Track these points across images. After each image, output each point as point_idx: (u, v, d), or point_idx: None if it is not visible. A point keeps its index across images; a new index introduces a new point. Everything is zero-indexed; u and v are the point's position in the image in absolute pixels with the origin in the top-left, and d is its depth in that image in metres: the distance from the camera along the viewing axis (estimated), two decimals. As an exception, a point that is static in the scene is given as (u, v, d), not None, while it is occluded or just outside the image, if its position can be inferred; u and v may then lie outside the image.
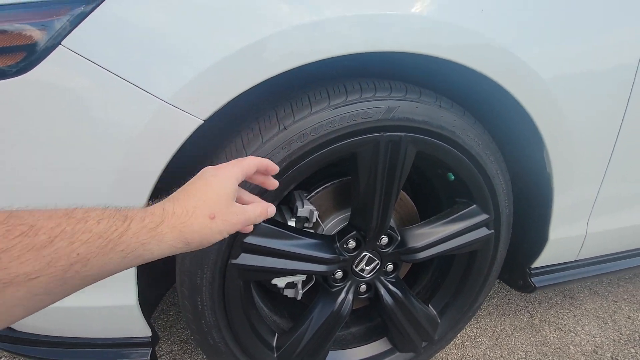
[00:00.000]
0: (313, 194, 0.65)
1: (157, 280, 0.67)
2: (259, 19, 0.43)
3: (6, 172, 0.45)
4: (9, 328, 0.60)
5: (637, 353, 0.88)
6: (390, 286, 0.69)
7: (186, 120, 0.44)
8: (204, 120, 0.45)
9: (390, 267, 0.69)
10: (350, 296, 0.67)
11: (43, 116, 0.43)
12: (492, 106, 0.64)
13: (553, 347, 0.89)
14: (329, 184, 0.66)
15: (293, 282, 0.66)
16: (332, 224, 0.67)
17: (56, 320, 0.56)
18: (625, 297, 1.10)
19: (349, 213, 0.64)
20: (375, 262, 0.66)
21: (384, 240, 0.65)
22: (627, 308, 1.05)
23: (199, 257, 0.52)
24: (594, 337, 0.93)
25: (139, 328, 0.57)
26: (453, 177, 0.64)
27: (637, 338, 0.93)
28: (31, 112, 0.43)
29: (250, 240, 0.53)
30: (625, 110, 0.63)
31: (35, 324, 0.58)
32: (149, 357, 0.59)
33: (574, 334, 0.94)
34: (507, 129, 0.67)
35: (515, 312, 1.01)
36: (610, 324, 0.97)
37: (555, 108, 0.59)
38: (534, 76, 0.55)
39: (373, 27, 0.46)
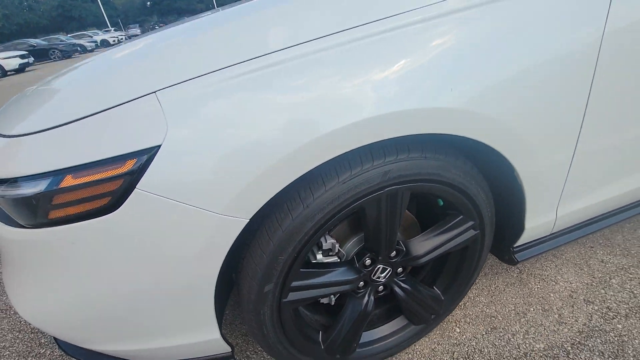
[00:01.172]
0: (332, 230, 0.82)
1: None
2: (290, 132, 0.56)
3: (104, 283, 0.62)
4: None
5: (606, 294, 1.09)
6: (401, 283, 0.89)
7: (237, 224, 0.60)
8: (249, 219, 0.60)
9: (399, 270, 0.87)
10: (371, 297, 0.86)
11: (128, 244, 0.59)
12: (470, 147, 0.76)
13: (537, 296, 1.11)
14: (341, 220, 0.82)
15: (327, 295, 0.85)
16: (349, 247, 0.84)
17: (163, 354, 0.78)
18: (601, 241, 1.29)
19: (361, 236, 0.81)
20: (388, 270, 0.85)
21: (393, 253, 0.83)
22: (601, 252, 1.25)
23: (259, 301, 0.71)
24: (570, 283, 1.14)
25: (223, 348, 0.78)
26: (442, 203, 0.79)
27: (608, 280, 1.14)
28: (119, 242, 0.59)
29: (295, 283, 0.72)
30: (580, 129, 0.76)
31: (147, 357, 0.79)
32: (232, 363, 0.81)
33: (554, 283, 1.15)
34: (485, 159, 0.80)
35: (507, 270, 1.22)
36: (585, 269, 1.18)
37: (517, 140, 0.71)
38: (496, 123, 0.67)
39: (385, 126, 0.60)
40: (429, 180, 0.71)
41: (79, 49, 20.36)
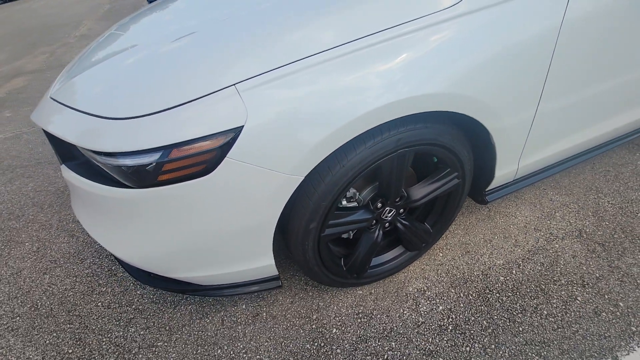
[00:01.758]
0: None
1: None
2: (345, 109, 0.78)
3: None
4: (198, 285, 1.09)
5: (550, 223, 1.44)
6: (402, 220, 1.17)
7: (296, 181, 0.83)
8: (304, 177, 0.84)
9: (401, 210, 1.15)
10: (380, 231, 1.15)
11: (219, 197, 0.81)
12: (457, 117, 1.00)
13: (500, 228, 1.44)
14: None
15: (348, 231, 1.13)
16: (364, 194, 1.10)
17: (227, 278, 1.04)
18: (552, 184, 1.63)
19: (374, 186, 1.07)
20: (393, 211, 1.12)
21: (397, 198, 1.10)
22: (551, 192, 1.58)
23: (305, 235, 0.97)
24: (525, 217, 1.48)
25: (273, 272, 1.06)
26: (436, 160, 1.05)
27: (553, 213, 1.48)
28: (212, 196, 0.81)
29: (330, 222, 0.98)
30: (539, 100, 1.01)
31: (212, 281, 1.06)
32: (280, 283, 1.10)
33: (513, 217, 1.49)
34: (468, 125, 1.04)
35: (478, 209, 1.55)
36: (538, 206, 1.52)
37: (491, 111, 0.96)
38: (474, 100, 0.91)
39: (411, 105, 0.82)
40: (428, 144, 0.96)
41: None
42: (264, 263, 1.01)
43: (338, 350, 1.12)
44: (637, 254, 1.26)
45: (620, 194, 1.50)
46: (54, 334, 1.32)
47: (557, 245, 1.34)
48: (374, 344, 1.12)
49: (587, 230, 1.38)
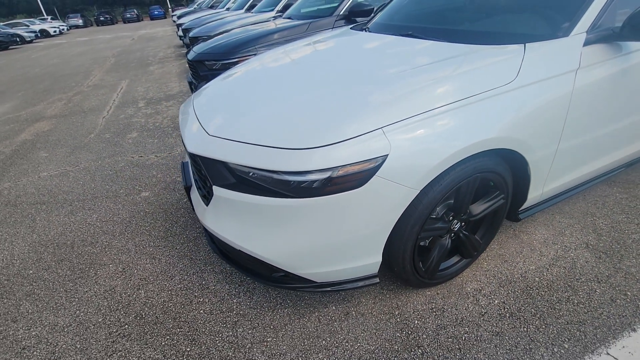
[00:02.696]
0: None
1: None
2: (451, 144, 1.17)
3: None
4: (311, 280, 1.37)
5: (563, 239, 1.84)
6: (463, 231, 1.53)
7: (413, 193, 1.19)
8: (419, 190, 1.20)
9: (463, 223, 1.52)
10: (449, 239, 1.50)
11: (362, 204, 1.16)
12: (507, 152, 1.42)
13: (526, 243, 1.83)
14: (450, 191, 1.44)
15: (426, 238, 1.48)
16: (440, 209, 1.46)
17: (340, 274, 1.33)
18: (557, 210, 2.06)
19: (447, 203, 1.44)
20: (459, 223, 1.49)
21: (463, 213, 1.47)
22: (558, 216, 2.01)
23: (407, 237, 1.31)
24: (543, 234, 1.88)
25: (376, 268, 1.36)
26: (492, 184, 1.45)
27: (563, 231, 1.89)
28: (358, 203, 1.16)
29: (425, 226, 1.33)
30: (560, 138, 1.46)
31: (326, 278, 1.34)
32: (378, 279, 1.39)
33: (534, 235, 1.88)
34: (512, 157, 1.46)
35: (506, 230, 1.94)
36: (550, 227, 1.93)
37: (529, 147, 1.39)
38: (520, 141, 1.34)
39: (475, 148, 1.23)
40: (490, 172, 1.36)
41: (17, 39, 18.61)
42: (375, 259, 1.32)
43: (424, 336, 1.40)
44: (632, 259, 1.67)
45: (609, 217, 1.95)
46: (167, 337, 1.51)
47: (572, 254, 1.73)
48: (451, 330, 1.41)
49: (592, 243, 1.79)
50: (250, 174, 1.24)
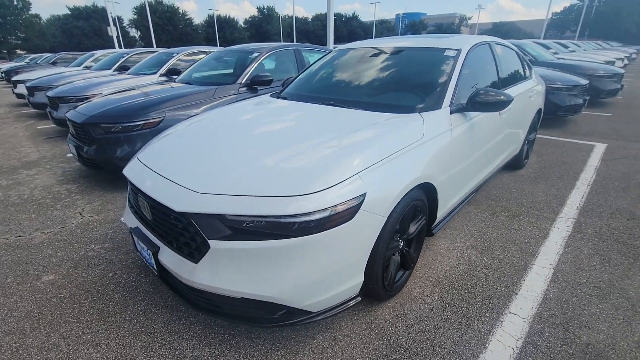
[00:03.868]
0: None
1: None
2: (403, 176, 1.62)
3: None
4: (310, 312, 1.54)
5: (447, 246, 2.54)
6: (405, 248, 1.99)
7: (384, 219, 1.58)
8: (387, 217, 1.59)
9: (404, 242, 1.98)
10: (398, 256, 1.93)
11: (353, 234, 1.48)
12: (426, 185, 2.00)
13: (437, 252, 2.43)
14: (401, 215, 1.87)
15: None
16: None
17: (332, 300, 1.56)
18: (449, 225, 2.81)
19: (396, 227, 1.88)
20: (402, 242, 1.94)
21: (405, 234, 1.93)
22: (448, 231, 2.74)
23: (380, 256, 1.66)
24: (446, 245, 2.54)
25: (357, 290, 1.64)
26: (419, 209, 1.99)
27: (456, 240, 2.60)
28: (350, 233, 1.47)
29: (389, 246, 1.71)
30: (449, 169, 2.14)
31: (320, 307, 1.55)
32: (359, 297, 1.67)
33: (439, 246, 2.52)
34: (428, 188, 2.05)
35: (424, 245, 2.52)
36: (449, 238, 2.62)
37: (437, 179, 2.01)
38: (433, 176, 1.94)
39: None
40: (418, 199, 1.89)
41: None
42: (359, 280, 1.60)
43: (400, 337, 1.72)
44: (498, 250, 2.45)
45: (476, 225, 2.79)
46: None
47: (466, 254, 2.41)
48: (416, 326, 1.78)
49: (474, 244, 2.53)
50: (245, 223, 1.39)
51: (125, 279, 2.18)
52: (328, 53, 3.31)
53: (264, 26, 52.14)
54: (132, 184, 1.82)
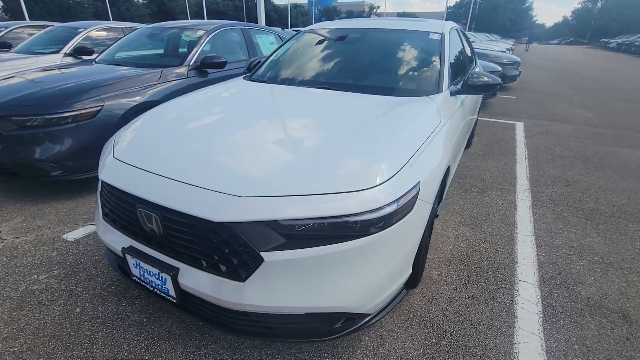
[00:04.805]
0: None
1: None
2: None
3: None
4: (368, 314, 1.42)
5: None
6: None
7: (430, 206, 1.52)
8: (432, 204, 1.54)
9: (424, 227, 1.97)
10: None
11: (413, 225, 1.39)
12: None
13: (434, 232, 2.51)
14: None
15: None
16: (414, 220, 1.85)
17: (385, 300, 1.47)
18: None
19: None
20: (425, 227, 1.93)
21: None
22: (434, 210, 2.86)
23: (421, 250, 1.61)
24: (438, 224, 2.63)
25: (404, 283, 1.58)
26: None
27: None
28: (411, 225, 1.38)
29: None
30: (453, 144, 2.19)
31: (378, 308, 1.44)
32: (406, 290, 1.60)
33: (434, 226, 2.61)
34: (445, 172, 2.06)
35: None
36: (436, 217, 2.73)
37: (451, 161, 2.03)
38: (450, 159, 1.96)
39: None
40: (443, 183, 1.89)
41: None
42: (409, 271, 1.52)
43: (441, 322, 1.72)
44: (487, 224, 2.63)
45: (460, 204, 2.96)
46: None
47: (459, 231, 2.53)
48: (450, 308, 1.80)
49: (463, 221, 2.68)
50: (301, 228, 1.19)
51: (101, 312, 1.73)
52: (297, 34, 3.08)
53: (166, 3, 46.87)
54: (121, 192, 1.41)
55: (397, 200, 1.28)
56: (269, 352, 1.54)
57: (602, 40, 42.98)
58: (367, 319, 1.39)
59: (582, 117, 6.09)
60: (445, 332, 1.66)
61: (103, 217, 1.58)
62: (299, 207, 1.19)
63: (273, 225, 1.18)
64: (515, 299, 1.87)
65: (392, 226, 1.28)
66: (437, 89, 2.13)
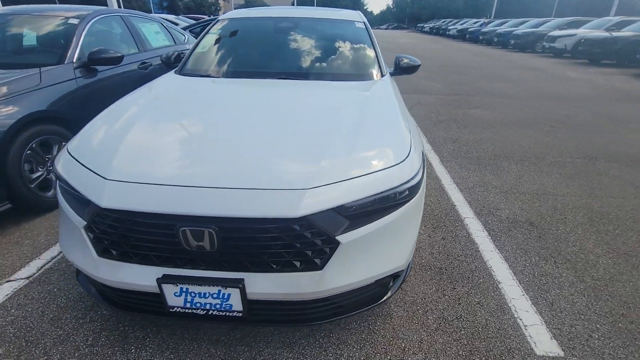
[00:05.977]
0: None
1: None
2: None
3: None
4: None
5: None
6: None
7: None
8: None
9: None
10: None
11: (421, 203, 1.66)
12: None
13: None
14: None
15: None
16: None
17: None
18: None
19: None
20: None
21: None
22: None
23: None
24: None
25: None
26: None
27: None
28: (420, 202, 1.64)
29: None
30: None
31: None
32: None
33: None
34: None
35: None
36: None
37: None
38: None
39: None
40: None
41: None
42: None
43: (430, 262, 2.09)
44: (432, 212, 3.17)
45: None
46: None
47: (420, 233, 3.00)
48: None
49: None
50: (361, 207, 1.32)
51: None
52: (216, 22, 2.89)
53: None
54: (146, 215, 1.21)
55: (422, 165, 1.52)
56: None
57: (418, 25, 52.81)
58: (405, 273, 1.61)
59: (435, 89, 7.60)
60: (440, 269, 2.05)
61: (101, 255, 1.30)
62: (357, 189, 1.29)
63: (339, 209, 1.26)
64: (469, 232, 2.42)
65: (420, 188, 1.52)
66: (382, 72, 2.44)
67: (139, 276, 1.28)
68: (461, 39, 26.74)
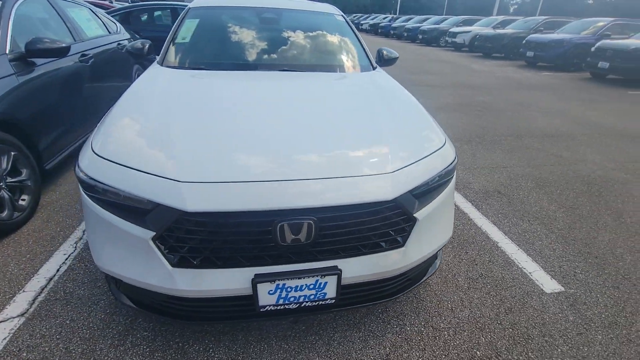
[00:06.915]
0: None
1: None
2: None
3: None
4: None
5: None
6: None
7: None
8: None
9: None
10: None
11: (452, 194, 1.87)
12: None
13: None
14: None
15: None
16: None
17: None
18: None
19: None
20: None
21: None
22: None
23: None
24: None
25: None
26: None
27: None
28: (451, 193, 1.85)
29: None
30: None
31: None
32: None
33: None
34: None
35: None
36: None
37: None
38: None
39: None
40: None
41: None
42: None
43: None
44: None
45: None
46: None
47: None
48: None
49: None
50: (423, 186, 1.47)
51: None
52: (189, 11, 2.67)
53: None
54: (243, 214, 1.16)
55: (454, 149, 1.72)
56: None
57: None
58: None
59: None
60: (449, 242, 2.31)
61: (177, 266, 1.20)
62: (426, 169, 1.43)
63: (413, 189, 1.37)
64: (457, 204, 2.75)
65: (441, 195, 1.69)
66: (371, 64, 2.58)
67: (228, 281, 1.22)
68: (373, 33, 28.53)
